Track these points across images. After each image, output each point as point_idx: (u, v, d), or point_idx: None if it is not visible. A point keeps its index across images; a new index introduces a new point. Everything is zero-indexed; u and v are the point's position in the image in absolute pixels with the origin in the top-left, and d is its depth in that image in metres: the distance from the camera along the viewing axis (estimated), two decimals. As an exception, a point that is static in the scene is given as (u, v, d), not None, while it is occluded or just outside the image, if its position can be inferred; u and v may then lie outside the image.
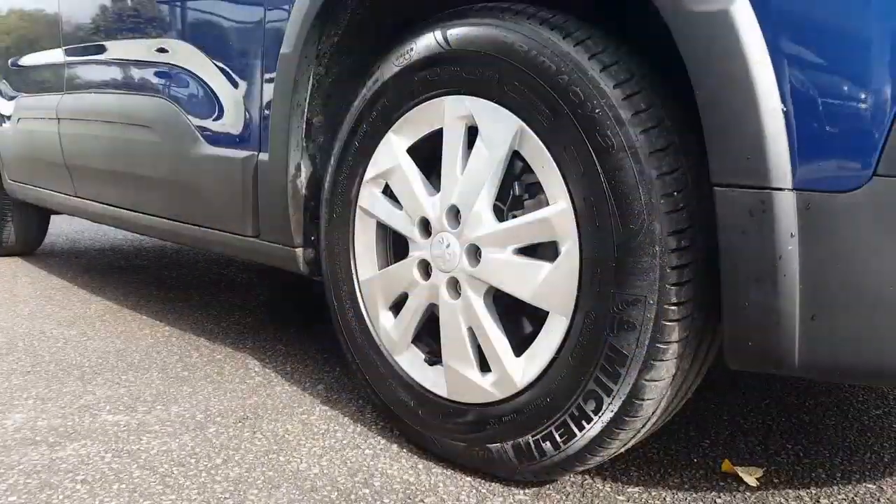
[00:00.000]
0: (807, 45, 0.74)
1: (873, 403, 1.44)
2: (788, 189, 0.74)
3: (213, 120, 1.54)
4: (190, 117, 1.59)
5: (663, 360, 0.87)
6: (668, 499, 1.04)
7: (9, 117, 2.71)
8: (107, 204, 2.06)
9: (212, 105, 1.53)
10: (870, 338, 0.74)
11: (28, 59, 2.51)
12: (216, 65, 1.50)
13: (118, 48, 1.88)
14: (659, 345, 0.86)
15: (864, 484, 1.10)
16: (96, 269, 2.80)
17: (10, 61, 2.69)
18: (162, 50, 1.66)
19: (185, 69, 1.59)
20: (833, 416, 1.38)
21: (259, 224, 1.45)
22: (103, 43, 1.96)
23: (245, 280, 2.60)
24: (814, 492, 1.07)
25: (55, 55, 2.26)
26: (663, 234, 0.84)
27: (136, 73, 1.79)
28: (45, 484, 1.06)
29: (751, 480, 1.09)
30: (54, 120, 2.23)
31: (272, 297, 2.36)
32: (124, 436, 1.23)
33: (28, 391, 1.46)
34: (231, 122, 1.48)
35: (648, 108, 0.86)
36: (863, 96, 0.71)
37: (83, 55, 2.08)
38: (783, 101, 0.74)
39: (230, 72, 1.47)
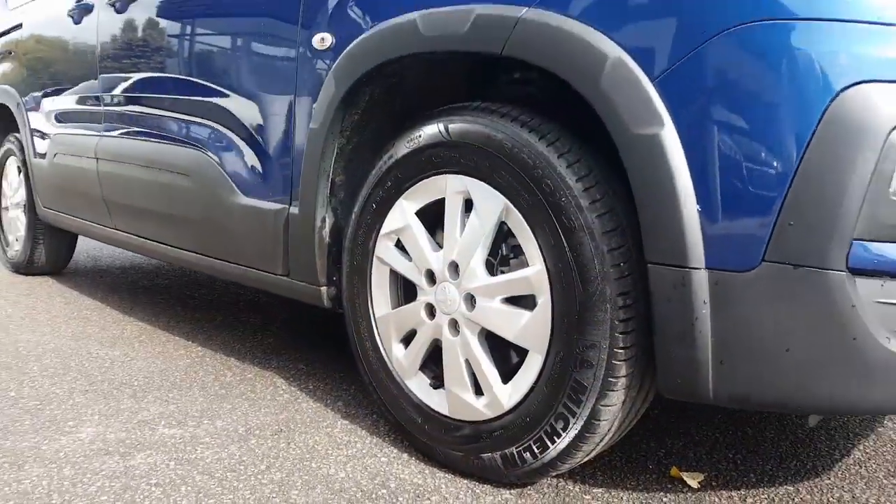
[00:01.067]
0: (714, 164, 1.00)
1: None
2: (702, 269, 1.01)
3: (249, 175, 1.79)
4: (227, 170, 1.85)
5: (614, 391, 1.13)
6: (625, 497, 1.30)
7: (44, 153, 2.97)
8: (143, 237, 2.32)
9: (248, 163, 1.79)
10: (760, 378, 1.01)
11: (63, 101, 2.76)
12: (253, 130, 1.76)
13: (160, 102, 2.13)
14: (611, 379, 1.13)
15: (784, 486, 1.37)
16: (123, 289, 3.05)
17: (43, 96, 2.94)
18: (204, 109, 1.92)
19: (225, 129, 1.85)
20: (772, 430, 1.64)
21: (289, 265, 1.71)
22: (144, 95, 2.21)
23: (263, 301, 2.85)
24: (742, 493, 1.34)
25: (92, 99, 2.52)
26: (613, 296, 1.10)
27: (177, 127, 2.04)
28: (126, 487, 1.32)
29: (693, 483, 1.36)
30: (93, 159, 2.48)
31: (290, 318, 2.62)
32: (181, 447, 1.49)
33: (91, 408, 1.71)
34: (265, 179, 1.74)
35: (602, 198, 1.13)
36: (755, 206, 0.98)
37: (122, 104, 2.33)
38: (698, 203, 1.01)
39: (265, 137, 1.73)
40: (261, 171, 1.75)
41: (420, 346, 1.43)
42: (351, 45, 1.44)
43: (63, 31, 2.71)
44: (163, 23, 2.10)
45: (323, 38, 1.52)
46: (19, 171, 3.41)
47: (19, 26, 3.22)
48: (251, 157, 1.77)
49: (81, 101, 2.59)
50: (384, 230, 1.47)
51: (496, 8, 1.18)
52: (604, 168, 1.16)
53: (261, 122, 1.73)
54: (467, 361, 1.33)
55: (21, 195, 3.40)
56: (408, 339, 1.47)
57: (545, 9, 1.13)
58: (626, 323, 1.11)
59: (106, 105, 2.40)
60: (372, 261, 1.51)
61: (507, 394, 1.27)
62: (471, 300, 1.31)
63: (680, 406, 1.74)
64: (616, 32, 1.06)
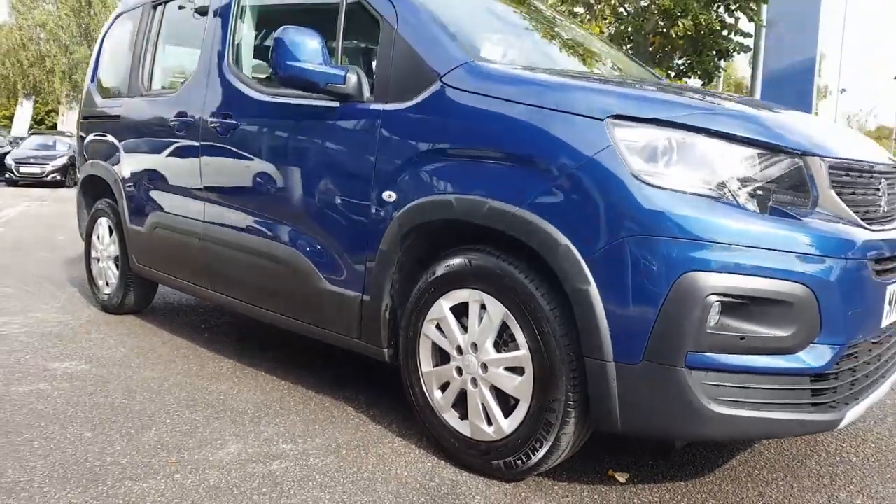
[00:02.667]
0: (618, 309, 1.85)
1: (706, 434, 2.55)
2: (612, 361, 1.86)
3: (334, 272, 2.61)
4: (317, 266, 2.67)
5: (569, 425, 1.98)
6: (577, 486, 2.15)
7: (142, 223, 3.80)
8: (239, 300, 3.16)
9: (334, 264, 2.61)
10: (645, 420, 1.86)
11: (166, 189, 3.58)
12: (338, 242, 2.58)
13: (261, 208, 2.94)
14: (566, 419, 1.97)
15: (683, 482, 2.22)
16: (201, 328, 3.89)
17: (142, 179, 3.76)
18: (300, 222, 2.73)
19: (317, 238, 2.67)
20: (690, 445, 2.50)
21: (362, 332, 2.55)
22: (245, 200, 3.03)
23: (320, 345, 3.69)
24: (654, 485, 2.19)
25: (195, 194, 3.34)
26: (567, 371, 1.95)
27: (277, 229, 2.84)
28: (275, 483, 2.16)
29: (621, 479, 2.21)
30: (197, 239, 3.32)
31: (349, 359, 3.46)
32: (298, 457, 2.33)
33: (227, 430, 2.55)
34: (347, 276, 2.57)
35: (561, 315, 1.97)
36: (639, 331, 1.82)
37: (225, 203, 3.15)
38: (610, 327, 1.86)
39: (347, 249, 2.55)
40: (343, 270, 2.58)
41: (452, 392, 2.28)
42: (410, 204, 2.28)
43: (165, 136, 3.53)
44: (261, 150, 2.93)
45: (390, 195, 2.36)
46: (111, 232, 4.25)
47: (118, 117, 4.04)
48: (337, 261, 2.60)
49: (185, 193, 3.40)
50: (429, 317, 2.32)
51: (500, 204, 2.03)
52: (563, 299, 2.00)
53: (344, 239, 2.56)
54: (483, 404, 2.18)
55: (112, 251, 4.23)
56: (443, 388, 2.31)
57: (530, 210, 1.97)
58: (574, 387, 1.96)
59: (210, 202, 3.22)
60: (420, 336, 2.35)
61: (507, 424, 2.12)
62: (484, 367, 2.16)
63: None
64: (566, 230, 1.91)
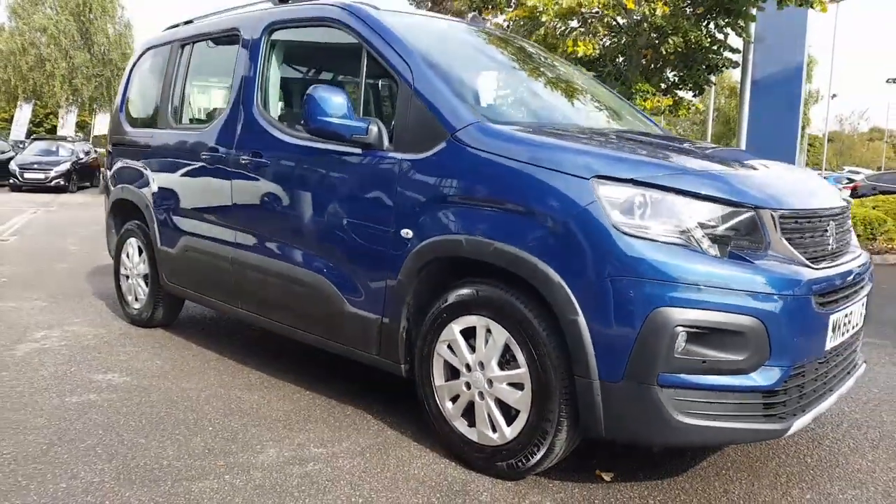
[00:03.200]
0: (601, 337, 2.22)
1: (681, 439, 2.92)
2: (597, 379, 2.23)
3: (356, 297, 2.98)
4: (340, 290, 3.04)
5: (561, 432, 2.36)
6: (568, 483, 2.53)
7: (173, 245, 4.16)
8: (267, 318, 3.53)
9: (355, 289, 2.99)
10: (625, 428, 2.24)
11: (197, 216, 3.94)
12: (360, 271, 2.96)
13: (289, 239, 3.32)
14: (559, 427, 2.35)
15: (659, 480, 2.60)
16: (225, 341, 4.25)
17: (174, 205, 4.12)
18: (325, 253, 3.10)
19: (340, 266, 3.04)
20: (666, 449, 2.87)
21: (381, 350, 2.92)
22: (273, 231, 3.41)
23: (338, 358, 4.06)
24: (636, 483, 2.56)
25: (226, 222, 3.71)
26: (560, 387, 2.32)
27: (303, 257, 3.22)
28: (313, 481, 2.52)
29: (607, 478, 2.58)
30: (228, 263, 3.68)
31: (364, 372, 3.82)
32: (329, 459, 2.70)
33: (264, 436, 2.91)
34: (367, 300, 2.93)
35: (555, 339, 2.34)
36: (619, 356, 2.20)
37: (255, 233, 3.52)
38: (595, 350, 2.23)
39: (368, 277, 2.92)
40: (363, 296, 2.95)
41: (461, 403, 2.65)
42: (425, 242, 2.65)
43: (197, 168, 3.89)
44: (290, 186, 3.29)
45: (407, 232, 2.72)
46: (140, 252, 4.61)
47: (148, 147, 4.41)
48: (358, 287, 2.97)
49: (216, 221, 3.76)
50: (441, 339, 2.69)
51: (503, 245, 2.40)
52: (556, 325, 2.37)
53: (365, 268, 2.93)
54: (488, 414, 2.55)
55: (142, 269, 4.59)
56: (454, 399, 2.68)
57: (529, 252, 2.34)
58: (566, 400, 2.33)
59: (241, 231, 3.59)
60: (434, 355, 2.72)
61: (510, 432, 2.49)
62: (490, 382, 2.53)
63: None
64: (559, 270, 2.28)
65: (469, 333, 2.61)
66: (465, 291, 2.59)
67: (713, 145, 3.56)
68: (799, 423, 2.31)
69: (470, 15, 4.40)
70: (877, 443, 3.02)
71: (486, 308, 2.52)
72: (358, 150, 2.94)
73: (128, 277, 4.74)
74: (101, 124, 31.69)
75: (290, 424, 3.04)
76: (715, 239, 2.24)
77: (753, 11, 9.87)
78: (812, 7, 9.24)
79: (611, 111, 3.65)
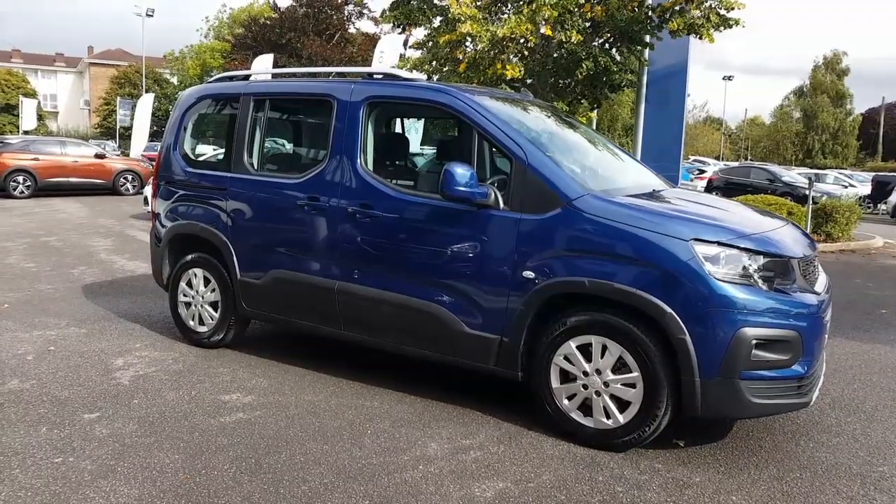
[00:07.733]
0: (703, 351, 3.28)
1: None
2: (698, 378, 3.29)
3: (473, 320, 3.85)
4: (456, 314, 3.89)
5: (666, 415, 3.40)
6: (658, 449, 3.58)
7: (257, 275, 4.75)
8: (375, 339, 4.29)
9: (472, 314, 3.85)
10: (717, 408, 3.32)
11: (293, 259, 4.57)
12: (481, 299, 3.82)
13: (398, 272, 4.10)
14: (665, 412, 3.39)
15: (714, 443, 3.71)
16: (297, 354, 4.90)
17: (260, 242, 4.71)
18: (441, 284, 3.93)
19: (457, 294, 3.88)
20: (738, 427, 3.99)
21: (499, 361, 3.82)
22: (380, 264, 4.16)
23: (420, 364, 4.84)
24: (698, 446, 3.66)
25: (326, 258, 4.39)
26: (666, 384, 3.36)
27: (417, 287, 4.01)
28: (483, 464, 3.38)
29: (681, 443, 3.66)
30: (332, 292, 4.37)
31: (445, 372, 4.65)
32: (479, 448, 3.55)
33: (412, 435, 3.70)
34: (487, 322, 3.81)
35: (662, 351, 3.37)
36: (713, 361, 3.26)
37: (360, 268, 4.25)
38: (697, 358, 3.29)
39: (488, 304, 3.79)
40: (481, 318, 3.82)
41: (577, 401, 3.62)
42: (547, 282, 3.58)
43: (291, 212, 4.52)
44: (405, 233, 4.06)
45: (529, 273, 3.64)
46: (206, 282, 5.11)
47: (224, 189, 4.93)
48: (475, 313, 3.83)
49: (316, 257, 4.40)
50: (558, 353, 3.63)
51: (622, 286, 3.39)
52: (662, 340, 3.39)
53: (487, 299, 3.80)
54: (604, 406, 3.54)
55: (210, 297, 5.10)
56: (570, 398, 3.65)
57: (643, 291, 3.34)
58: (671, 392, 3.38)
59: (346, 266, 4.29)
60: (551, 364, 3.66)
61: (622, 418, 3.50)
62: (606, 384, 3.52)
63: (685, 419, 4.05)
64: (669, 303, 3.30)
65: (583, 348, 3.58)
66: (583, 317, 3.55)
67: (737, 203, 4.73)
68: (814, 396, 3.51)
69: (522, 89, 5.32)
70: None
71: (603, 329, 3.50)
72: (473, 208, 3.80)
73: (189, 305, 5.22)
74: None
75: (425, 423, 3.84)
76: (765, 279, 3.36)
77: (649, 39, 11.46)
78: (700, 38, 10.91)
79: (635, 169, 4.76)
